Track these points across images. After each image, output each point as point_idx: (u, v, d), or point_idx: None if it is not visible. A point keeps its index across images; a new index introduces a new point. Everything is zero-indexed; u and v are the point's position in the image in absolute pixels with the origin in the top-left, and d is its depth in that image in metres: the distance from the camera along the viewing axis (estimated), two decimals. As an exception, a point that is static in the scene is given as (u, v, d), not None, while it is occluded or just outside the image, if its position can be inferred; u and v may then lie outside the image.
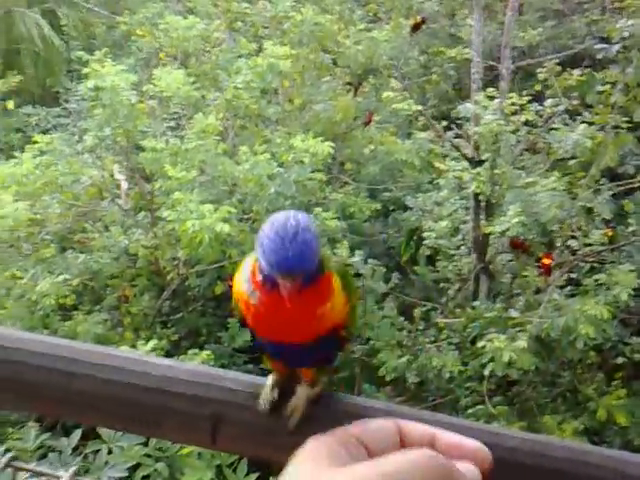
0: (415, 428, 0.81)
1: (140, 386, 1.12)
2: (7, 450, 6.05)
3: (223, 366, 7.86)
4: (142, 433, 1.20)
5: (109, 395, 1.14)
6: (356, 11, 9.89)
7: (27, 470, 1.46)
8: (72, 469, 1.45)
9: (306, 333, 0.96)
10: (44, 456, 6.28)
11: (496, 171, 8.54)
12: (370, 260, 8.31)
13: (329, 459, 0.73)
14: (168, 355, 7.42)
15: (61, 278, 7.44)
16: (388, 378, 7.93)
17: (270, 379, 1.09)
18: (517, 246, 8.51)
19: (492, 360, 7.19)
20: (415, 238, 8.69)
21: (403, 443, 0.79)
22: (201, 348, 7.74)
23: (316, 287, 0.91)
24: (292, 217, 0.90)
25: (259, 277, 0.91)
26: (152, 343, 7.18)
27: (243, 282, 0.95)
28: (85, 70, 8.34)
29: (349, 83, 10.08)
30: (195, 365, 1.18)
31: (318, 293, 0.91)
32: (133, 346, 7.27)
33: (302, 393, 1.08)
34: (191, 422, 1.12)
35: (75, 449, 6.14)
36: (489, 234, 8.59)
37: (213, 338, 8.37)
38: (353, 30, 9.51)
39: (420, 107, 9.21)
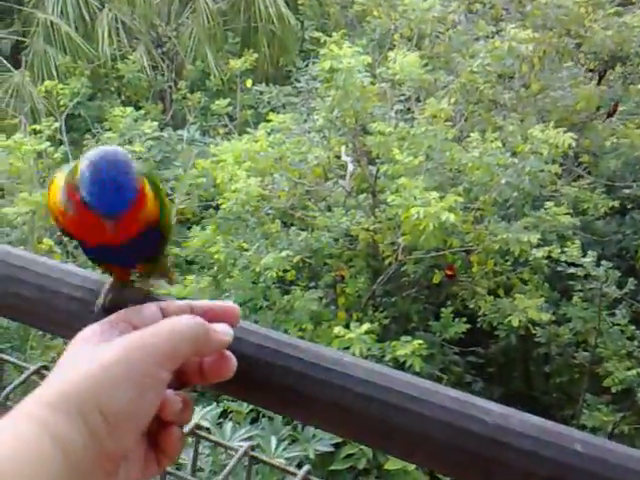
0: (174, 304, 0.93)
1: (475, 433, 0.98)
2: (224, 411, 6.24)
3: (432, 356, 7.65)
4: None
5: (436, 437, 1.00)
6: (607, -7, 9.20)
7: (207, 439, 1.36)
8: (248, 443, 1.30)
9: (122, 236, 0.99)
10: (256, 420, 6.43)
11: None
12: (603, 262, 7.73)
13: (101, 338, 0.84)
14: (379, 340, 7.33)
15: (284, 253, 7.56)
16: (614, 390, 7.37)
17: (108, 283, 1.09)
18: None
19: None
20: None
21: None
22: (410, 334, 7.59)
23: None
24: (111, 160, 0.93)
25: (76, 194, 0.94)
26: (365, 326, 7.13)
27: (59, 191, 0.98)
28: (322, 51, 8.39)
29: (591, 70, 9.42)
30: (531, 417, 1.00)
31: (134, 204, 0.96)
32: (347, 326, 7.26)
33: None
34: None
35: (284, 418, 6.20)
36: None
37: (422, 326, 8.19)
38: (602, 14, 8.85)
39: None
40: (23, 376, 1.25)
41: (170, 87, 11.55)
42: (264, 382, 1.00)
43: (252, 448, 1.35)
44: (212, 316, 0.90)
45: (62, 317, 1.09)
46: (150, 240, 1.04)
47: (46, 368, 1.28)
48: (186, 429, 1.23)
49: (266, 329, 1.07)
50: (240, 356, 0.97)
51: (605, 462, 0.94)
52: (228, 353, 0.90)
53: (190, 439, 1.32)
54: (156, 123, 9.72)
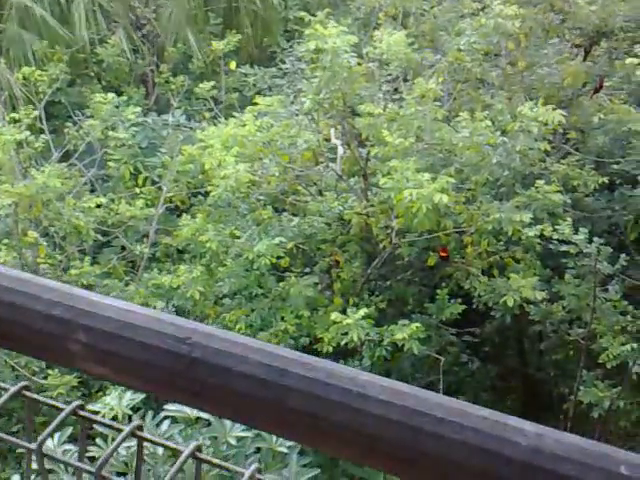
0: None
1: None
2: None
3: (429, 338, 7.63)
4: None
5: (466, 462, 0.91)
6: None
7: (212, 464, 1.26)
8: (253, 466, 1.22)
9: None
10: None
11: None
12: (594, 239, 7.71)
13: None
14: (376, 324, 7.30)
15: (277, 240, 7.49)
16: (609, 366, 7.38)
17: None
18: None
19: None
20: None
21: None
22: (406, 317, 7.57)
23: None
24: None
25: None
26: (362, 311, 7.09)
27: None
28: (306, 31, 8.26)
29: (577, 46, 9.36)
30: (569, 436, 0.91)
31: None
32: (343, 311, 7.22)
33: None
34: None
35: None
36: None
37: (418, 308, 8.17)
38: (586, -12, 8.78)
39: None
40: (59, 418, 1.17)
41: (152, 71, 11.36)
42: (273, 405, 0.94)
43: (259, 470, 1.27)
44: None
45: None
46: None
47: (82, 407, 1.19)
48: (187, 452, 1.16)
49: (273, 346, 0.99)
50: (244, 376, 0.91)
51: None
52: None
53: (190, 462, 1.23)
54: (139, 109, 9.56)
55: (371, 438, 0.91)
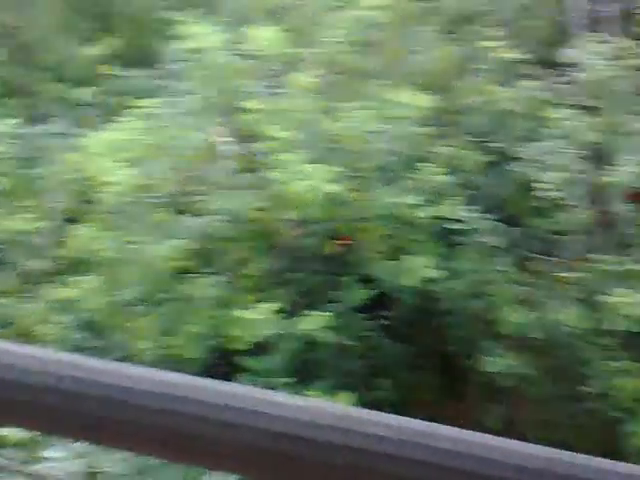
0: None
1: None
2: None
3: (341, 326, 7.67)
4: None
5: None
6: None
7: None
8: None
9: None
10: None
11: (608, 119, 8.17)
12: (484, 215, 8.04)
13: None
14: (287, 317, 7.30)
15: (175, 242, 7.41)
16: (513, 336, 7.71)
17: None
18: (635, 197, 8.23)
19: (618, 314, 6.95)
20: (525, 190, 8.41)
21: None
22: (316, 307, 7.61)
23: None
24: None
25: None
26: (268, 305, 7.10)
27: None
28: (180, 31, 8.18)
29: (445, 31, 9.72)
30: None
31: None
32: (253, 308, 7.18)
33: None
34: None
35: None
36: (604, 185, 8.25)
37: (328, 297, 8.22)
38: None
39: (522, 55, 8.85)
40: None
41: (28, 80, 10.96)
42: (158, 432, 0.88)
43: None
44: None
45: None
46: None
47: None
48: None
49: (154, 371, 0.91)
50: (129, 405, 0.86)
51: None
52: None
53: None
54: (14, 121, 9.23)
55: (268, 456, 0.86)
